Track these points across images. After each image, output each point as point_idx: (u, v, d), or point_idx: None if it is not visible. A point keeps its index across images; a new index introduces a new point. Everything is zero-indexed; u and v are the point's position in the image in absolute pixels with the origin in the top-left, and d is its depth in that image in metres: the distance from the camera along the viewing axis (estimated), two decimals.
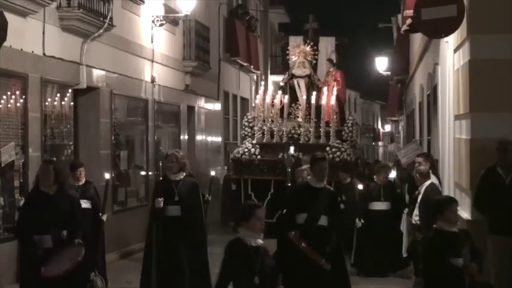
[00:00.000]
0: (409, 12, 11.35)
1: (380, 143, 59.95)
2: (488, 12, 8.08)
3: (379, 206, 11.75)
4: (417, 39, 16.31)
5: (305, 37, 18.68)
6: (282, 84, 17.64)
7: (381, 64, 29.51)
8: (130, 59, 15.00)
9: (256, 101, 16.65)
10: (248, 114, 18.20)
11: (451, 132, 9.59)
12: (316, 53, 17.48)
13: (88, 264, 8.78)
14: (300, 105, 16.51)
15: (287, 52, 18.49)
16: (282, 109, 16.20)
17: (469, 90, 8.13)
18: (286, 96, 16.43)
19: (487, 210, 7.59)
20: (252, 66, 24.69)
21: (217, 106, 21.98)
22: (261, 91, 16.75)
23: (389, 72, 27.46)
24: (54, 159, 11.27)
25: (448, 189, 9.84)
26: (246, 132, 16.39)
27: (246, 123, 16.43)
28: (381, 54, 29.98)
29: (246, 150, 15.77)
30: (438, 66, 11.32)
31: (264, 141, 16.05)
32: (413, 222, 9.86)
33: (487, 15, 8.07)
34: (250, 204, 6.10)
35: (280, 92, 16.86)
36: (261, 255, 5.67)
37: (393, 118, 35.53)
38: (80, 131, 13.25)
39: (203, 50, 19.28)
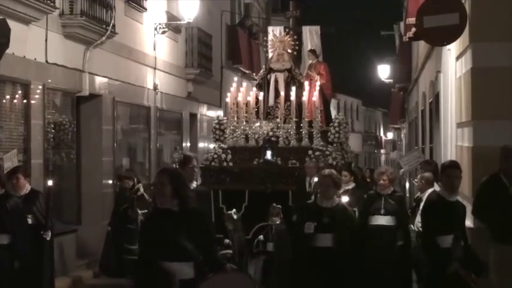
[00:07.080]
0: (412, 20, 11.36)
1: (382, 151, 59.94)
2: (490, 20, 8.09)
3: (381, 220, 9.71)
4: (419, 47, 16.31)
5: (286, 27, 16.17)
6: (257, 80, 15.33)
7: (383, 72, 29.55)
8: (133, 67, 15.03)
9: (227, 99, 14.09)
10: (220, 114, 16.16)
11: (453, 140, 9.59)
12: (297, 43, 15.18)
13: None
14: (278, 103, 14.30)
15: (265, 44, 15.94)
16: (258, 108, 14.14)
17: (471, 98, 8.13)
18: (262, 94, 14.34)
19: (488, 218, 7.54)
20: (254, 74, 24.70)
21: (219, 113, 21.99)
22: (233, 88, 14.27)
23: (391, 80, 27.46)
24: (174, 165, 9.92)
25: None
26: (217, 136, 14.09)
27: (217, 126, 14.12)
28: (383, 61, 30.01)
29: (215, 156, 13.51)
30: (440, 74, 11.31)
31: (237, 145, 13.72)
32: (416, 229, 9.83)
33: (489, 23, 8.07)
34: None
35: (254, 88, 14.68)
36: None
37: (395, 126, 35.49)
38: (82, 138, 13.27)
39: (205, 57, 19.33)
